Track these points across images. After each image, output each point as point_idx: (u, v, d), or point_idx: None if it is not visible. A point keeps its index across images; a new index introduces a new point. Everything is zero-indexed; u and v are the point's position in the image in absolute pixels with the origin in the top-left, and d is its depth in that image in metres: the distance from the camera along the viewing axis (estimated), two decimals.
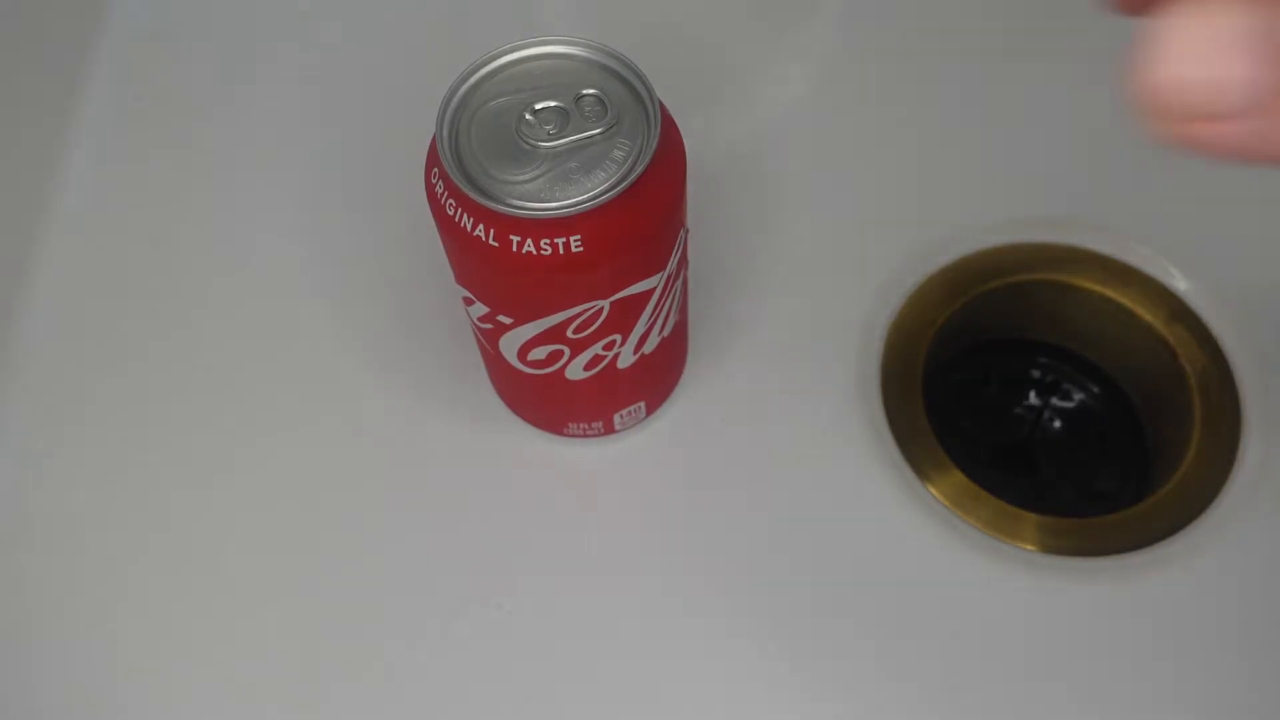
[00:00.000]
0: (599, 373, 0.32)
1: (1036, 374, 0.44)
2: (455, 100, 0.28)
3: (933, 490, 0.36)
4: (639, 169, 0.27)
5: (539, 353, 0.31)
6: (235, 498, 0.37)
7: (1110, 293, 0.40)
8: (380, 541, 0.36)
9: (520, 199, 0.27)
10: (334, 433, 0.38)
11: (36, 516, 0.37)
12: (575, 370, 0.32)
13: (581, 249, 0.27)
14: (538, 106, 0.28)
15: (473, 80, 0.29)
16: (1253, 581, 0.34)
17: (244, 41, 0.47)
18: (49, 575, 0.36)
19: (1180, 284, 0.40)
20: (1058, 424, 0.44)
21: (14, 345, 0.40)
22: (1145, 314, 0.40)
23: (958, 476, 0.36)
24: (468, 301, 0.31)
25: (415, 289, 0.40)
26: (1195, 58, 0.15)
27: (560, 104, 0.28)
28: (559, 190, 0.27)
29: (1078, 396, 0.44)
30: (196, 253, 0.42)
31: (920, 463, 0.37)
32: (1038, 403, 0.44)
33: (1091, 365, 0.43)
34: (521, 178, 0.27)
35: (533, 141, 0.27)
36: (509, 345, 0.31)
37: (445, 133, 0.28)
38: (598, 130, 0.28)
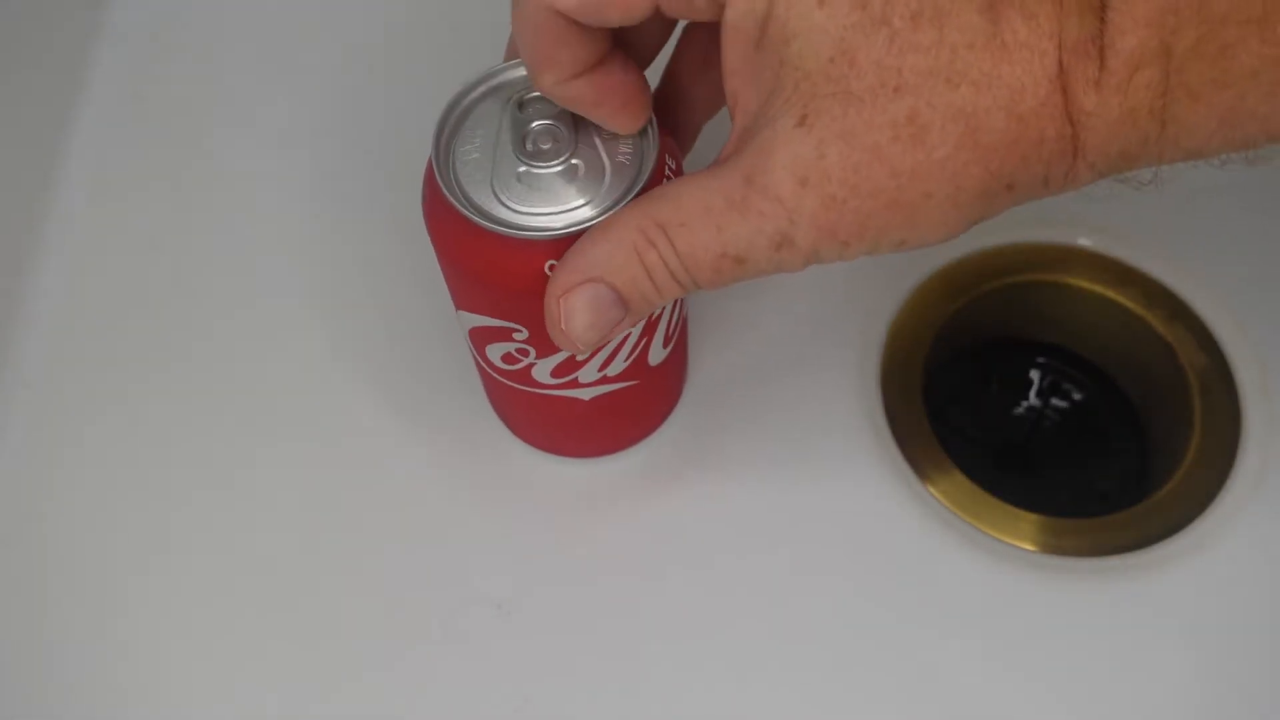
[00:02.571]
0: (620, 388, 0.32)
1: (1036, 374, 0.44)
2: (448, 128, 0.28)
3: (933, 490, 0.36)
4: (643, 178, 0.27)
5: (560, 374, 0.31)
6: (235, 498, 0.37)
7: (1110, 293, 0.40)
8: (380, 545, 0.36)
9: (531, 221, 0.27)
10: (334, 433, 0.38)
11: (36, 517, 0.37)
12: (588, 390, 0.32)
13: None
14: (534, 125, 0.28)
15: (464, 104, 0.28)
16: (1253, 581, 0.34)
17: (244, 42, 0.47)
18: (49, 575, 0.36)
19: (1180, 284, 0.40)
20: (1058, 424, 0.44)
21: (14, 345, 0.40)
22: (1145, 314, 0.40)
23: (958, 476, 0.36)
24: (494, 338, 0.30)
25: (414, 289, 0.40)
26: (586, 325, 0.26)
27: (556, 122, 0.28)
28: (565, 206, 0.27)
29: (1077, 396, 0.44)
30: (196, 253, 0.42)
31: (920, 463, 0.37)
32: (1038, 403, 0.44)
33: (1091, 365, 0.43)
34: (528, 199, 0.27)
35: (533, 161, 0.27)
36: (543, 369, 0.31)
37: (447, 174, 0.27)
38: (592, 146, 0.28)
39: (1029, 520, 0.36)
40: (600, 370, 0.31)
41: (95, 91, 0.46)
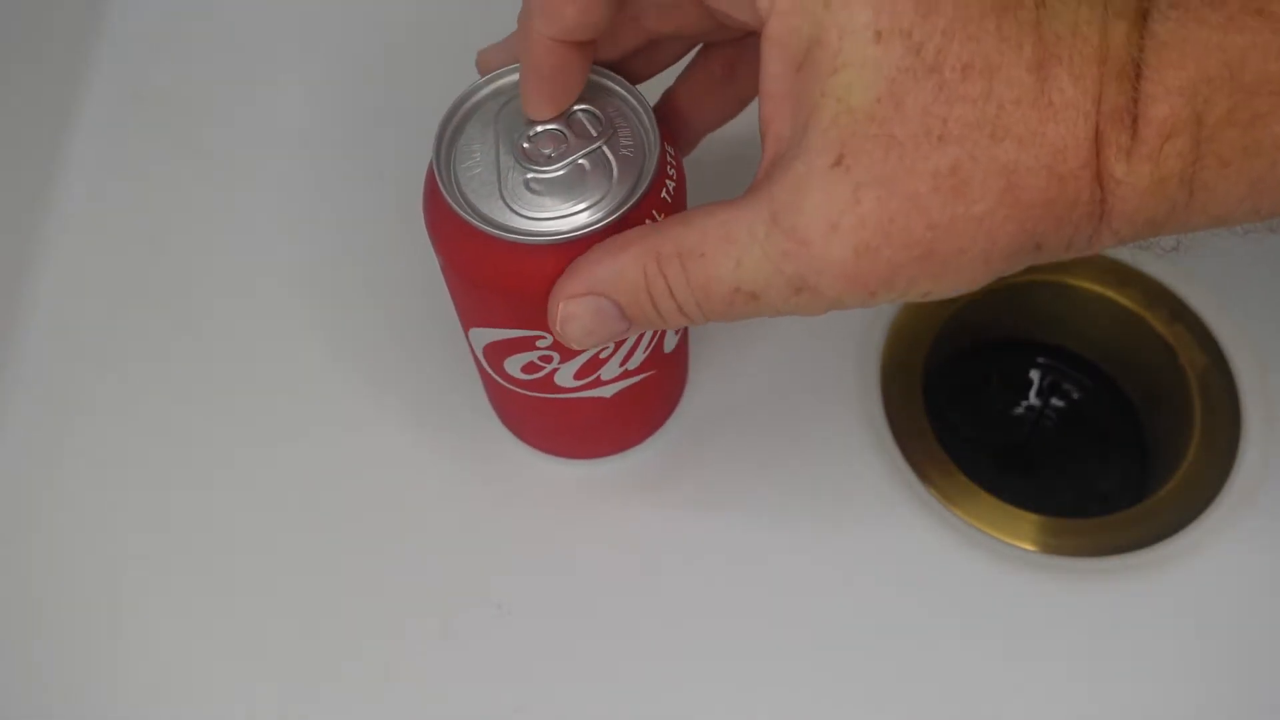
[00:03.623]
0: (639, 380, 0.32)
1: (1036, 374, 0.44)
2: (445, 142, 0.28)
3: (933, 491, 0.36)
4: (645, 180, 0.27)
5: (583, 375, 0.31)
6: (234, 498, 0.37)
7: (1110, 293, 0.40)
8: (379, 543, 0.36)
9: (548, 225, 0.27)
10: (334, 433, 0.38)
11: (36, 516, 0.37)
12: (610, 387, 0.32)
13: None
14: (534, 131, 0.28)
15: (457, 118, 0.28)
16: (1253, 581, 0.34)
17: (244, 41, 0.47)
18: (49, 575, 0.36)
19: (1180, 284, 0.40)
20: (1058, 424, 0.44)
21: (14, 345, 0.40)
22: (1145, 314, 0.40)
23: (958, 477, 0.36)
24: (513, 349, 0.30)
25: (414, 289, 0.40)
26: (584, 331, 0.26)
27: (555, 126, 0.28)
28: (578, 206, 0.27)
29: (1077, 397, 0.44)
30: (196, 253, 0.42)
31: (920, 463, 0.37)
32: (1038, 403, 0.44)
33: (1091, 365, 0.43)
34: (539, 204, 0.27)
35: (538, 166, 0.27)
36: (566, 374, 0.31)
37: (454, 190, 0.27)
38: (595, 146, 0.27)
39: (1029, 520, 0.36)
40: (622, 365, 0.31)
41: (95, 91, 0.46)
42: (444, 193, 0.27)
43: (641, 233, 0.25)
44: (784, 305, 0.24)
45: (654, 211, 0.27)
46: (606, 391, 0.32)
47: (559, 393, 0.32)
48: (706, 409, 0.38)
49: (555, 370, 0.31)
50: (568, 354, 0.30)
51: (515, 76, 0.29)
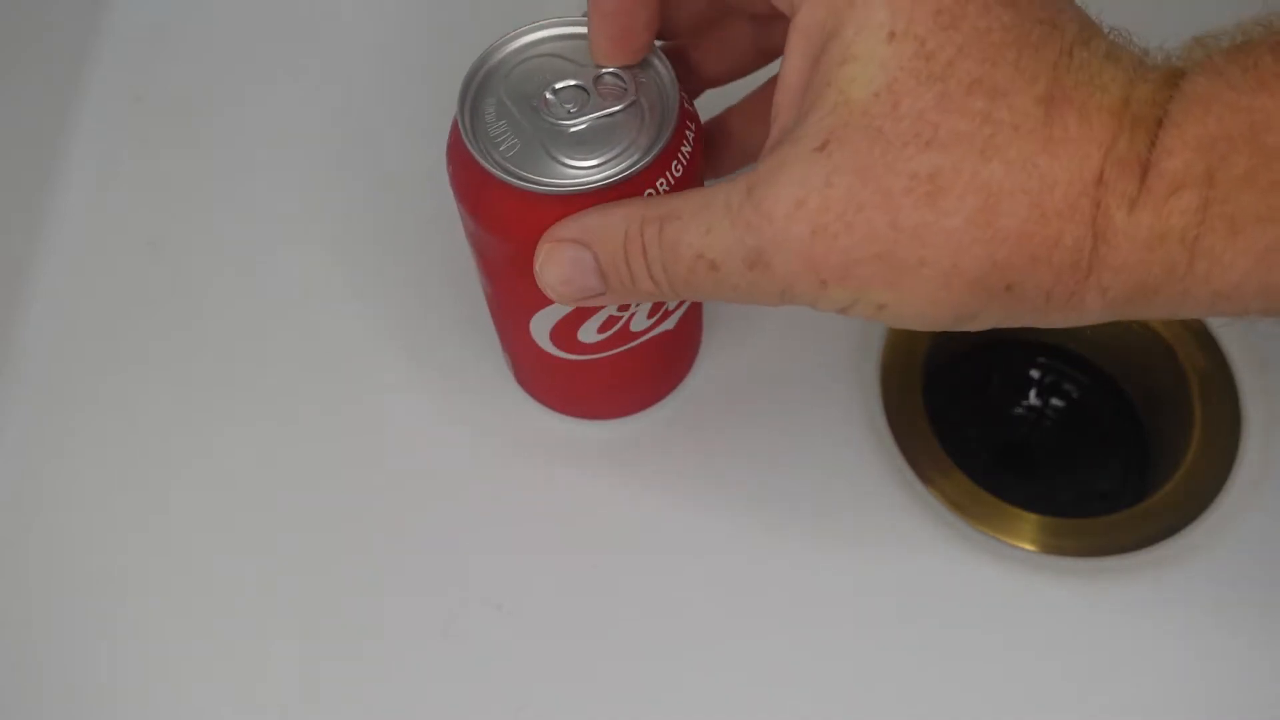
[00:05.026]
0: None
1: (1036, 374, 0.44)
2: (469, 121, 0.28)
3: (933, 491, 0.36)
4: (665, 135, 0.27)
5: (653, 313, 0.32)
6: (234, 497, 0.37)
7: None
8: (379, 543, 0.36)
9: (609, 169, 0.27)
10: (333, 433, 0.38)
11: (36, 516, 0.37)
12: (673, 318, 0.33)
13: None
14: (558, 86, 0.28)
15: (471, 94, 0.29)
16: (1253, 581, 0.34)
17: (244, 39, 0.47)
18: (49, 575, 0.36)
19: None
20: (1058, 424, 0.44)
21: (14, 345, 0.40)
22: None
23: (958, 477, 0.36)
24: (590, 312, 0.30)
25: (415, 288, 0.40)
26: (560, 279, 0.26)
27: (580, 82, 0.28)
28: (599, 161, 0.27)
29: (1077, 396, 0.44)
30: (196, 252, 0.42)
31: (920, 463, 0.37)
32: (1038, 403, 0.44)
33: (1091, 365, 0.43)
34: (590, 153, 0.27)
35: (575, 118, 0.28)
36: (641, 316, 0.32)
37: (500, 163, 0.27)
38: (619, 107, 0.28)
39: (1029, 520, 0.36)
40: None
41: (95, 91, 0.46)
42: (497, 171, 0.27)
43: (634, 199, 0.26)
44: (740, 280, 0.24)
45: (665, 175, 0.27)
46: (670, 323, 0.33)
47: (632, 340, 0.32)
48: (704, 407, 0.38)
49: (633, 316, 0.31)
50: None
51: (550, 31, 0.29)
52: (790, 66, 0.24)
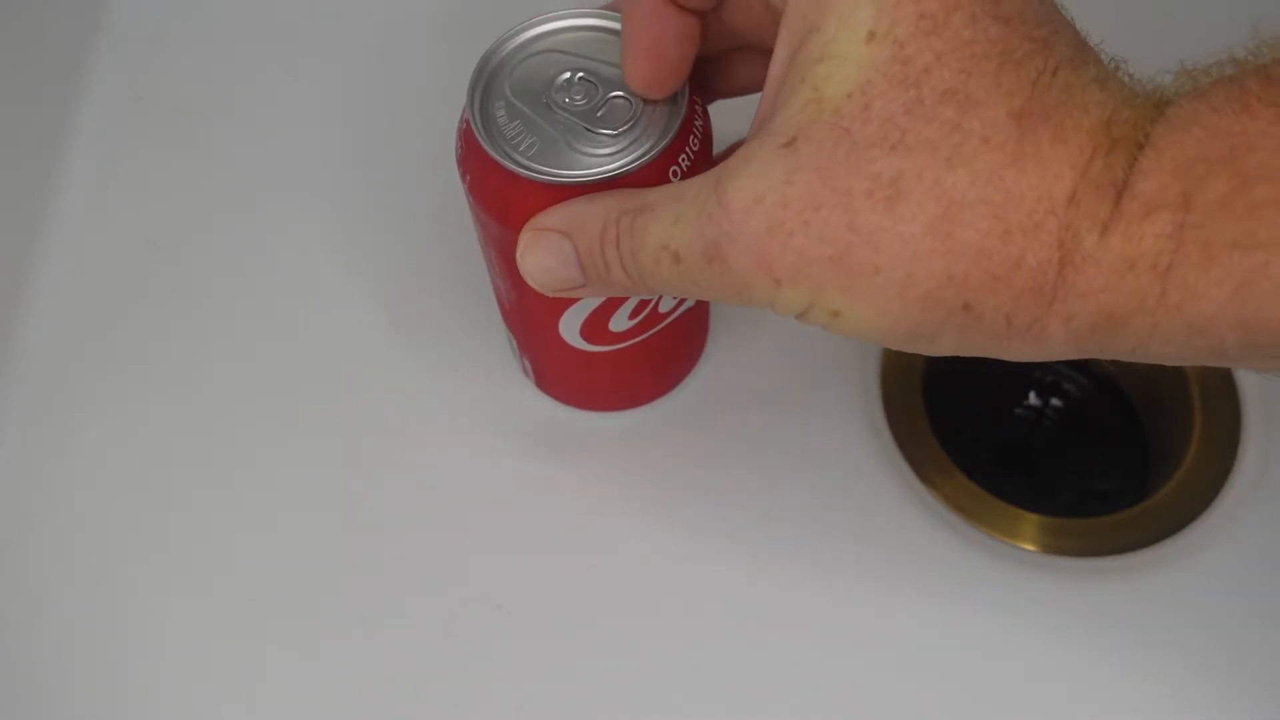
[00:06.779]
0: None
1: (1036, 374, 0.44)
2: (481, 121, 0.28)
3: (933, 491, 0.36)
4: (674, 127, 0.27)
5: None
6: (233, 497, 0.37)
7: None
8: (378, 544, 0.36)
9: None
10: (333, 433, 0.38)
11: (36, 516, 0.37)
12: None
13: None
14: (568, 76, 0.28)
15: (478, 99, 0.29)
16: (1253, 581, 0.34)
17: (244, 40, 0.47)
18: (49, 575, 0.36)
19: None
20: (1058, 424, 0.44)
21: (14, 345, 0.40)
22: None
23: (958, 477, 0.36)
24: (617, 302, 0.30)
25: (415, 291, 0.40)
26: (540, 267, 0.27)
27: (584, 74, 0.28)
28: (619, 147, 0.27)
29: (1077, 397, 0.44)
30: (196, 253, 0.42)
31: (921, 464, 0.37)
32: (1038, 403, 0.44)
33: (1091, 365, 0.43)
34: (610, 141, 0.27)
35: (583, 109, 0.28)
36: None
37: (520, 162, 0.27)
38: (624, 92, 0.28)
39: (1029, 520, 0.36)
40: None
41: (95, 91, 0.46)
42: (525, 170, 0.27)
43: (622, 189, 0.26)
44: (699, 275, 0.24)
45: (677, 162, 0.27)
46: (691, 300, 0.33)
47: (660, 321, 0.32)
48: (704, 408, 0.38)
49: (662, 297, 0.31)
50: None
51: (562, 23, 0.29)
52: (777, 59, 0.24)
